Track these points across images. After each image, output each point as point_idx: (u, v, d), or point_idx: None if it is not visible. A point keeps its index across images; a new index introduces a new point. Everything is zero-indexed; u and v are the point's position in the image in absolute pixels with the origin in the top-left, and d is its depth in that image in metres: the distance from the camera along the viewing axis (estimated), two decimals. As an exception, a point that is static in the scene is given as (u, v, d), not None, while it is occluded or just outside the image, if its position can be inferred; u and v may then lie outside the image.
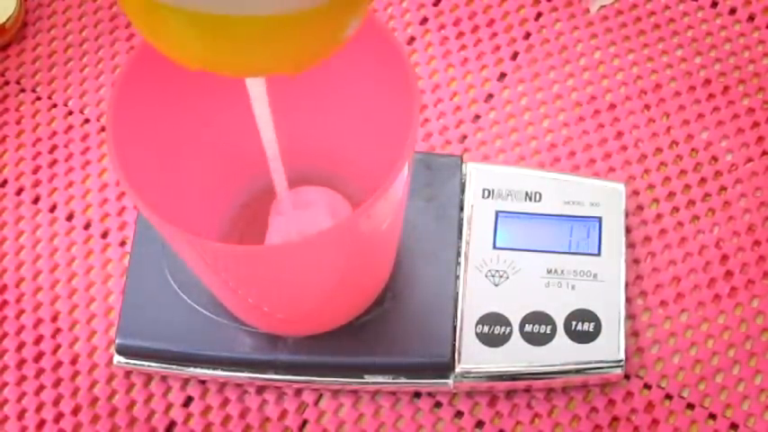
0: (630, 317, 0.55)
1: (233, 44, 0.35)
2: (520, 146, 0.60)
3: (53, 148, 0.61)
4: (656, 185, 0.58)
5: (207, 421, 0.54)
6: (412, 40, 0.63)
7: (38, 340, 0.56)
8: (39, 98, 0.63)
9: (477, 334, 0.53)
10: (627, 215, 0.57)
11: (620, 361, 0.52)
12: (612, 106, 0.61)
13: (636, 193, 0.58)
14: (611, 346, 0.52)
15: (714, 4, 0.63)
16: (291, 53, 0.37)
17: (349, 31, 0.37)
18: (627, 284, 0.56)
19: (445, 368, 0.52)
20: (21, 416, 0.55)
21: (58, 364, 0.56)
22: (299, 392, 0.55)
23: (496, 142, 0.60)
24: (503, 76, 0.62)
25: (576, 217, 0.55)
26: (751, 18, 0.63)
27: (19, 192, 0.60)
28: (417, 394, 0.54)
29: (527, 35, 0.63)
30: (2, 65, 0.64)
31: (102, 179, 0.60)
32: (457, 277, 0.54)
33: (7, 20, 0.62)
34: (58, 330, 0.57)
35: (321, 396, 0.54)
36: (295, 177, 0.51)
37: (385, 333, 0.52)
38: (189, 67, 0.37)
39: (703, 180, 0.59)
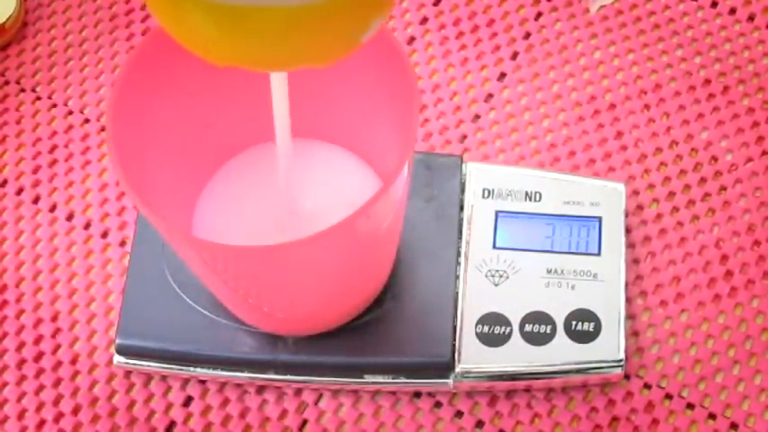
0: (630, 317, 0.55)
1: (263, 37, 0.35)
2: (520, 146, 0.60)
3: (53, 148, 0.61)
4: (656, 185, 0.58)
5: (207, 421, 0.54)
6: (412, 40, 0.63)
7: (38, 340, 0.56)
8: (39, 98, 0.63)
9: (477, 334, 0.53)
10: (627, 215, 0.57)
11: (620, 361, 0.52)
12: (612, 106, 0.61)
13: (636, 193, 0.58)
14: (611, 345, 0.52)
15: (714, 4, 0.63)
16: (321, 44, 0.37)
17: (379, 18, 0.37)
18: (627, 284, 0.56)
19: (445, 368, 0.52)
20: (21, 416, 0.55)
21: (58, 364, 0.56)
22: (299, 392, 0.55)
23: (496, 142, 0.60)
24: (503, 76, 0.62)
25: (576, 217, 0.55)
26: (751, 18, 0.63)
27: (19, 192, 0.60)
28: (417, 394, 0.54)
29: (527, 35, 0.63)
30: (2, 65, 0.64)
31: (102, 179, 0.60)
32: (457, 277, 0.54)
33: (7, 20, 0.62)
34: (58, 330, 0.57)
35: (321, 396, 0.55)
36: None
37: (385, 333, 0.52)
38: (218, 63, 0.37)
39: (703, 180, 0.59)
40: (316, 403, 0.54)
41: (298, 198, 0.51)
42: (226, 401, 0.55)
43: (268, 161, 0.52)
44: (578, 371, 0.52)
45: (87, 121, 0.62)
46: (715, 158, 0.59)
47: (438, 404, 0.54)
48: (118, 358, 0.54)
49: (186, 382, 0.55)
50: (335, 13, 0.35)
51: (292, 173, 0.49)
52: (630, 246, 0.57)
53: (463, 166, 0.56)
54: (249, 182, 0.52)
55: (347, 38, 0.37)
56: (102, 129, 0.61)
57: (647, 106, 0.61)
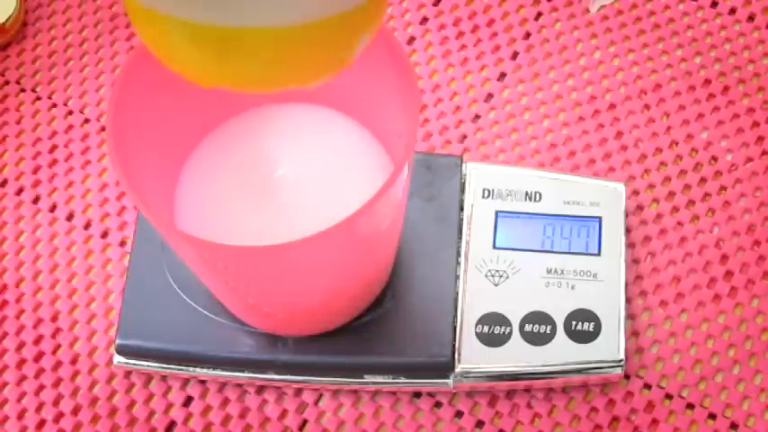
0: (630, 317, 0.55)
1: (249, 59, 0.35)
2: (520, 146, 0.60)
3: (53, 148, 0.61)
4: (656, 185, 0.58)
5: (207, 421, 0.54)
6: (412, 40, 0.63)
7: (38, 340, 0.56)
8: (39, 98, 0.63)
9: (477, 334, 0.53)
10: (627, 215, 0.57)
11: (620, 361, 0.52)
12: (612, 106, 0.61)
13: (636, 193, 0.58)
14: (611, 345, 0.52)
15: (714, 4, 0.63)
16: (309, 65, 0.37)
17: (366, 35, 0.37)
18: (627, 284, 0.56)
19: (445, 368, 0.52)
20: (21, 416, 0.55)
21: (58, 364, 0.56)
22: (299, 392, 0.55)
23: (496, 142, 0.60)
24: (503, 76, 0.62)
25: (576, 217, 0.55)
26: (751, 18, 0.63)
27: (19, 192, 0.60)
28: (417, 394, 0.54)
29: (527, 35, 0.63)
30: (2, 65, 0.64)
31: (102, 179, 0.60)
32: (457, 277, 0.54)
33: (7, 20, 0.62)
34: (58, 330, 0.57)
35: (321, 396, 0.55)
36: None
37: (385, 333, 0.52)
38: (203, 85, 0.37)
39: (703, 180, 0.59)
40: (316, 403, 0.54)
41: (287, 163, 0.49)
42: (226, 401, 0.55)
43: (252, 130, 0.50)
44: (578, 371, 0.52)
45: (87, 121, 0.62)
46: (715, 158, 0.59)
47: (438, 404, 0.54)
48: (118, 358, 0.54)
49: (186, 382, 0.55)
50: (322, 32, 0.35)
51: (283, 137, 0.47)
52: (630, 246, 0.57)
53: (463, 166, 0.56)
54: (234, 154, 0.50)
55: (335, 57, 0.37)
56: (103, 129, 0.61)
57: (647, 106, 0.61)
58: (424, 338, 0.52)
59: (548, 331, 0.53)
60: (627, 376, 0.54)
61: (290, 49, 0.35)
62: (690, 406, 0.53)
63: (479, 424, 0.54)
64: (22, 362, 0.56)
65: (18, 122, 0.62)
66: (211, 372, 0.53)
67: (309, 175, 0.49)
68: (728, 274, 0.56)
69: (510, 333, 0.53)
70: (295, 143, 0.50)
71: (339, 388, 0.54)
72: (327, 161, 0.50)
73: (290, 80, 0.37)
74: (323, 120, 0.51)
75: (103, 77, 0.63)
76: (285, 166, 0.49)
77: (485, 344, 0.52)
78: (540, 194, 0.56)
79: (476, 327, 0.53)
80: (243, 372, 0.53)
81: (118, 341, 0.53)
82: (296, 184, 0.49)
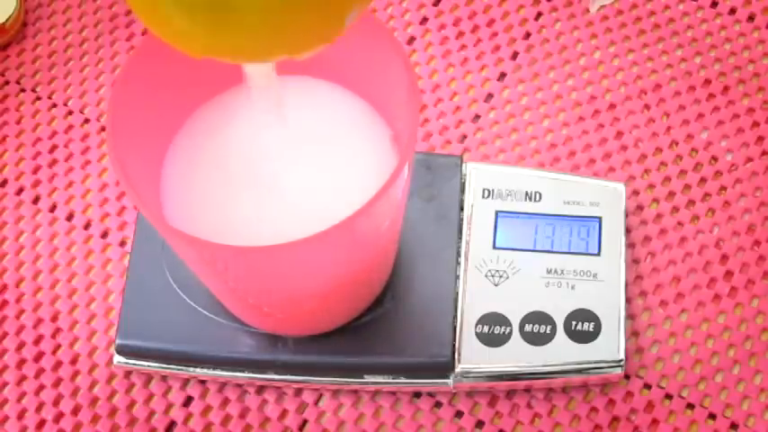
0: (630, 317, 0.55)
1: (235, 27, 0.35)
2: (520, 146, 0.60)
3: (53, 148, 0.61)
4: (656, 185, 0.58)
5: (207, 421, 0.54)
6: (412, 40, 0.63)
7: (38, 340, 0.56)
8: (39, 98, 0.63)
9: (477, 334, 0.53)
10: (627, 215, 0.57)
11: (620, 361, 0.52)
12: (612, 106, 0.61)
13: (636, 193, 0.58)
14: (611, 345, 0.52)
15: (714, 4, 0.63)
16: (294, 35, 0.36)
17: (354, 11, 0.37)
18: (627, 284, 0.56)
19: (445, 368, 0.52)
20: (21, 416, 0.55)
21: (58, 364, 0.56)
22: (299, 392, 0.55)
23: (496, 142, 0.60)
24: (503, 76, 0.62)
25: (576, 217, 0.55)
26: (751, 18, 0.63)
27: (19, 192, 0.60)
28: (417, 394, 0.54)
29: (527, 35, 0.63)
30: (2, 65, 0.64)
31: (102, 179, 0.60)
32: (457, 277, 0.54)
33: (7, 20, 0.62)
34: (58, 330, 0.57)
35: (321, 396, 0.55)
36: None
37: (385, 333, 0.52)
38: (193, 55, 0.37)
39: (703, 180, 0.59)
40: (316, 403, 0.54)
41: (282, 143, 0.47)
42: (226, 401, 0.55)
43: (236, 110, 0.48)
44: (578, 371, 0.52)
45: (87, 121, 0.62)
46: (715, 158, 0.59)
47: (438, 404, 0.54)
48: (118, 358, 0.54)
49: (186, 382, 0.55)
50: (312, 3, 0.35)
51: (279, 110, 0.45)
52: (630, 246, 0.57)
53: (463, 166, 0.56)
54: (219, 136, 0.48)
55: (327, 27, 0.37)
56: (103, 129, 0.61)
57: (647, 106, 0.61)
58: (424, 338, 0.52)
59: (548, 331, 0.53)
60: (627, 376, 0.54)
61: (284, 17, 0.35)
62: (690, 406, 0.54)
63: (479, 424, 0.54)
64: (22, 362, 0.56)
65: (18, 122, 0.62)
66: (211, 372, 0.53)
67: (305, 157, 0.47)
68: (728, 274, 0.56)
69: (510, 333, 0.53)
70: (291, 119, 0.48)
71: (339, 388, 0.54)
72: (326, 138, 0.48)
73: (283, 50, 0.37)
74: (319, 93, 0.49)
75: (103, 77, 0.63)
76: (280, 147, 0.47)
77: (485, 344, 0.52)
78: (540, 194, 0.56)
79: (476, 327, 0.53)
80: (243, 372, 0.53)
81: (118, 341, 0.53)
82: (290, 167, 0.48)
